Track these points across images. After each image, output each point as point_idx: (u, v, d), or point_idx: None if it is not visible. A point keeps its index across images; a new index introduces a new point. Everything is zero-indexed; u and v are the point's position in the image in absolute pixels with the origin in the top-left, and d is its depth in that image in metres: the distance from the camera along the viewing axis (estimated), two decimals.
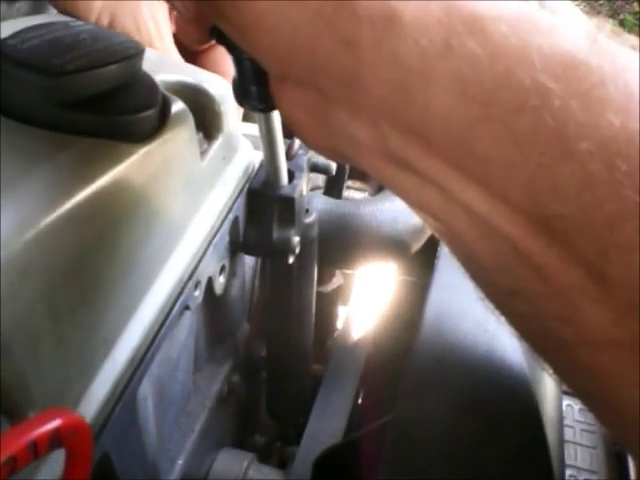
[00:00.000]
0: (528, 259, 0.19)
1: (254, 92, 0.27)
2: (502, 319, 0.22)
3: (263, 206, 0.39)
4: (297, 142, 0.42)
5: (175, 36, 0.38)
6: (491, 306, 0.22)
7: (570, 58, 0.18)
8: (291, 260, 0.41)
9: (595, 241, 0.17)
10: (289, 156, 0.40)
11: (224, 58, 0.39)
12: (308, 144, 0.25)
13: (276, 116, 0.33)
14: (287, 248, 0.39)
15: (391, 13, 0.19)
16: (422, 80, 0.19)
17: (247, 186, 0.38)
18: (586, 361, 0.19)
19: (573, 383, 0.22)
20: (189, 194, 0.32)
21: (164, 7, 0.36)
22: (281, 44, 0.21)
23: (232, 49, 0.25)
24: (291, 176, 0.40)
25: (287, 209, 0.39)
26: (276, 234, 0.39)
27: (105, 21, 0.35)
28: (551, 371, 0.22)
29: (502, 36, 0.18)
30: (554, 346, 0.20)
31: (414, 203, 0.22)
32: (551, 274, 0.18)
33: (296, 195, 0.39)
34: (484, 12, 0.18)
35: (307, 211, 0.42)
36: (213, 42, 0.27)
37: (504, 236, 0.19)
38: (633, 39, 0.19)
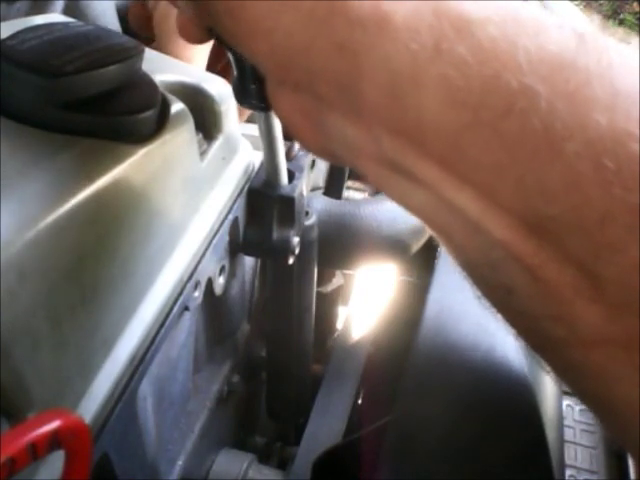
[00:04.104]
0: (520, 260, 0.19)
1: (254, 91, 0.27)
2: (499, 317, 0.23)
3: (263, 206, 0.39)
4: (297, 144, 0.42)
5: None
6: (488, 304, 0.23)
7: (556, 59, 0.18)
8: (291, 261, 0.41)
9: (586, 240, 0.17)
10: (289, 157, 0.41)
11: None
12: (305, 147, 0.25)
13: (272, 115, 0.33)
14: (287, 248, 0.39)
15: (382, 17, 0.19)
16: (414, 84, 0.19)
17: (247, 186, 0.38)
18: (580, 360, 0.19)
19: (569, 381, 0.22)
20: (189, 194, 0.32)
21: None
22: (277, 48, 0.21)
23: (231, 49, 0.25)
24: (291, 176, 0.40)
25: (287, 209, 0.39)
26: (276, 234, 0.39)
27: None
28: (548, 369, 0.22)
29: (490, 40, 0.18)
30: (549, 344, 0.21)
31: (408, 206, 0.23)
32: (543, 274, 0.19)
33: (296, 195, 0.39)
34: (473, 15, 0.19)
35: (307, 213, 0.42)
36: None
37: (496, 238, 0.19)
38: (622, 33, 0.19)
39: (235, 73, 0.27)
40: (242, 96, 0.28)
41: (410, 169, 0.20)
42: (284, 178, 0.39)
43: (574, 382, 0.22)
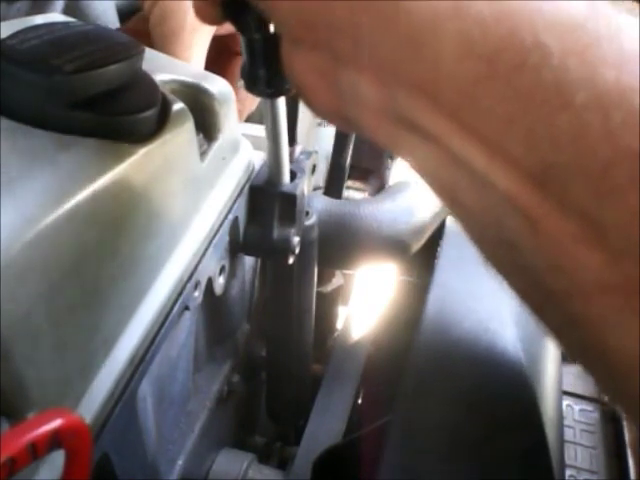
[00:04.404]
0: (525, 213, 0.20)
1: (263, 76, 0.28)
2: (502, 278, 0.23)
3: (264, 203, 0.39)
4: (298, 148, 0.42)
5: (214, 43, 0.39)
6: (492, 267, 0.24)
7: (569, 21, 0.19)
8: (291, 260, 0.41)
9: (589, 187, 0.18)
10: (290, 160, 0.41)
11: None
12: (316, 109, 0.26)
13: (281, 104, 0.33)
14: (287, 248, 0.39)
15: None
16: (433, 38, 0.20)
17: (248, 184, 0.38)
18: (580, 311, 0.20)
19: (567, 338, 0.23)
20: (189, 194, 0.32)
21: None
22: (302, 5, 0.22)
23: (244, 29, 0.26)
24: (293, 176, 0.40)
25: (289, 206, 0.39)
26: (277, 232, 0.39)
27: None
28: (547, 329, 0.23)
29: (508, 1, 0.20)
30: (550, 300, 0.21)
31: (417, 165, 0.24)
32: (547, 225, 0.19)
33: (298, 192, 0.39)
34: None
35: (307, 213, 0.42)
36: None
37: (501, 192, 0.20)
38: (629, 4, 0.21)
39: (245, 59, 0.28)
40: (251, 82, 0.28)
41: (422, 123, 0.21)
42: (286, 175, 0.39)
43: (571, 337, 0.22)
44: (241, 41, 0.27)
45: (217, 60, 0.40)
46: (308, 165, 0.42)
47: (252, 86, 0.29)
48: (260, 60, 0.27)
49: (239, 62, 0.40)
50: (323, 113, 0.26)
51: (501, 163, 0.20)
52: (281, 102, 0.33)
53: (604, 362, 0.20)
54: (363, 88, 0.22)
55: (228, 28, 0.37)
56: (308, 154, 0.41)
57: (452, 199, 0.23)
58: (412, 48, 0.20)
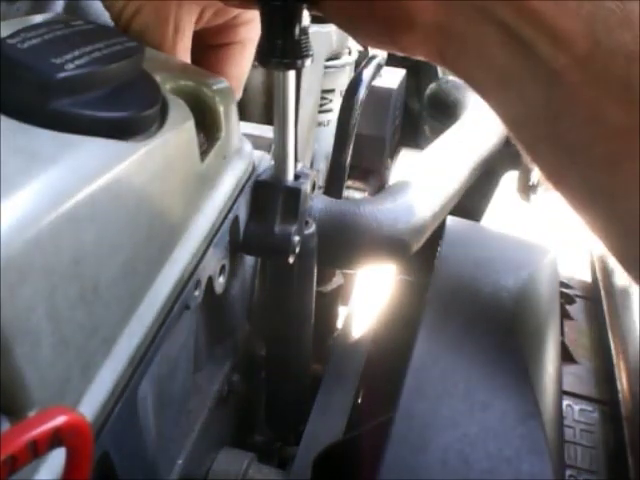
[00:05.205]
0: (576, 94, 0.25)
1: (280, 46, 0.30)
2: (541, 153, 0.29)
3: (268, 198, 0.39)
4: (299, 164, 0.42)
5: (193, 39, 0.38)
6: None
7: None
8: (291, 260, 0.41)
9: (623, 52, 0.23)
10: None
11: (236, 56, 0.40)
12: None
13: (292, 80, 0.35)
14: (288, 245, 0.39)
15: None
16: None
17: (249, 183, 0.38)
18: (601, 154, 0.26)
19: (583, 199, 0.28)
20: (189, 193, 0.32)
21: (192, 11, 0.36)
22: None
23: (266, 2, 0.29)
24: (296, 178, 0.40)
25: (292, 201, 0.39)
26: (278, 228, 0.39)
27: (129, 12, 0.35)
28: (566, 197, 0.29)
29: None
30: (576, 150, 0.26)
31: (482, 53, 0.27)
32: (584, 93, 0.25)
33: (302, 188, 0.39)
34: None
35: (307, 223, 0.43)
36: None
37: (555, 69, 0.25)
38: None
39: (263, 30, 0.30)
40: (267, 53, 0.31)
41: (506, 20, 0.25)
42: (291, 168, 0.39)
43: (588, 189, 0.27)
44: (261, 12, 0.30)
45: (192, 55, 0.40)
46: (311, 175, 0.42)
47: (268, 58, 0.31)
48: (278, 29, 0.29)
49: (215, 56, 0.40)
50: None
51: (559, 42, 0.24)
52: (292, 78, 0.35)
53: (613, 215, 0.27)
54: None
55: (202, 22, 0.37)
56: (307, 175, 0.42)
57: (506, 93, 0.27)
58: None
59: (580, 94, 0.25)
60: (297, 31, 0.30)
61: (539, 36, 0.24)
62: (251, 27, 0.39)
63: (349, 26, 0.31)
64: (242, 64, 0.41)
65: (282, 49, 0.30)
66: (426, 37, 0.28)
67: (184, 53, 0.37)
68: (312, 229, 0.43)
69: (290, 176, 0.39)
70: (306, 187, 0.40)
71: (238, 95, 0.41)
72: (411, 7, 0.27)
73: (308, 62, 0.32)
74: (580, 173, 0.27)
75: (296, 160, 0.40)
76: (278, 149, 0.38)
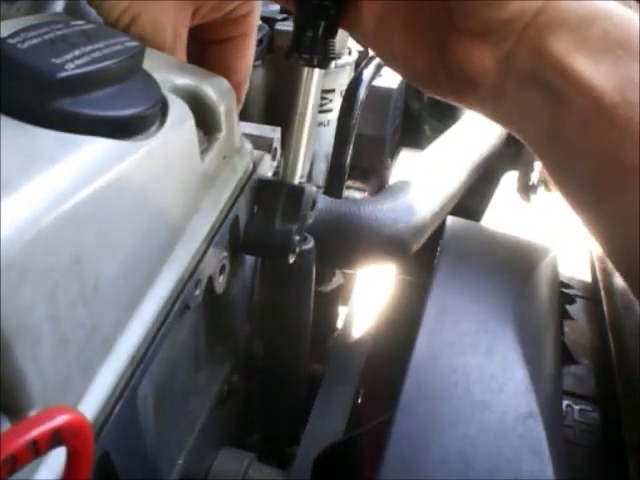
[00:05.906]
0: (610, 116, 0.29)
1: (309, 39, 0.32)
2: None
3: (271, 196, 0.39)
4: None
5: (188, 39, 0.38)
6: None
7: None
8: (291, 260, 0.41)
9: None
10: None
11: (241, 48, 0.40)
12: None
13: (317, 77, 0.36)
14: (288, 244, 0.39)
15: None
16: None
17: (249, 183, 0.38)
18: (615, 188, 0.29)
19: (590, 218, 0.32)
20: (189, 193, 0.32)
21: (187, 11, 0.36)
22: None
23: None
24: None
25: (295, 201, 0.39)
26: (279, 226, 0.39)
27: (125, 21, 0.34)
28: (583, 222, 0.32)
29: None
30: (596, 186, 0.30)
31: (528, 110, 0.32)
32: (608, 137, 0.29)
33: (306, 187, 0.39)
34: None
35: (305, 238, 0.43)
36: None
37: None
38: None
39: (296, 24, 0.32)
40: (298, 46, 0.33)
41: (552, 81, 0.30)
42: (299, 170, 0.39)
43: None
44: (295, 7, 0.31)
45: (196, 53, 0.40)
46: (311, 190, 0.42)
47: (297, 50, 0.33)
48: (310, 24, 0.31)
49: (220, 51, 0.40)
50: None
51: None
52: (317, 77, 0.35)
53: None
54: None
55: (198, 19, 0.37)
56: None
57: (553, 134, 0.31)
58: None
59: (605, 138, 0.29)
60: (333, 32, 0.32)
61: (577, 94, 0.29)
62: (251, 18, 0.39)
63: (423, 82, 0.35)
64: (247, 55, 0.41)
65: (310, 42, 0.31)
66: (484, 96, 0.33)
67: (182, 53, 0.37)
68: (310, 245, 0.44)
69: (297, 176, 0.40)
70: (310, 187, 0.40)
71: (245, 87, 0.41)
72: (477, 71, 0.32)
73: (332, 65, 0.34)
74: (594, 203, 0.31)
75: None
76: (290, 148, 0.38)
